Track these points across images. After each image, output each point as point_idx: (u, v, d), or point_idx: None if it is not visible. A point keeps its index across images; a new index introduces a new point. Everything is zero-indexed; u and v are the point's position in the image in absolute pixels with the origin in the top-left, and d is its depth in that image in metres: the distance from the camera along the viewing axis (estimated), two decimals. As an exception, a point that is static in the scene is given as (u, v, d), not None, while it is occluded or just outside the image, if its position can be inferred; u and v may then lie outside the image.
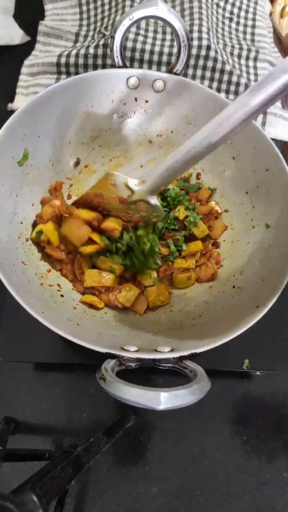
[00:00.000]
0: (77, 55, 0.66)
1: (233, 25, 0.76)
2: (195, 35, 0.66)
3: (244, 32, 0.76)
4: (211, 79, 0.68)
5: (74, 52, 0.66)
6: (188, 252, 0.53)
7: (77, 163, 0.57)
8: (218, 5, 0.75)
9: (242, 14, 0.76)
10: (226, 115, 0.35)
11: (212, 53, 0.66)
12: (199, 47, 0.65)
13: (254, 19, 0.76)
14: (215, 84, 0.68)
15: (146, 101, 0.57)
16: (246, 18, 0.76)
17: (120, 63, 0.53)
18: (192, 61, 0.67)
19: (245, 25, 0.76)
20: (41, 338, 0.49)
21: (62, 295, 0.48)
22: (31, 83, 0.68)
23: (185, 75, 0.67)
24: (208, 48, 0.66)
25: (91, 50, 0.65)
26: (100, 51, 0.65)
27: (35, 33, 0.73)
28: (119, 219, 0.49)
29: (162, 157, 0.60)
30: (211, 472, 0.51)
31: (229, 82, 0.68)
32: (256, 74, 0.72)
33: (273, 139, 0.52)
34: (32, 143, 0.49)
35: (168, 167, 0.42)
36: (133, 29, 0.68)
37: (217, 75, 0.68)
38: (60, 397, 0.53)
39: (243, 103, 0.34)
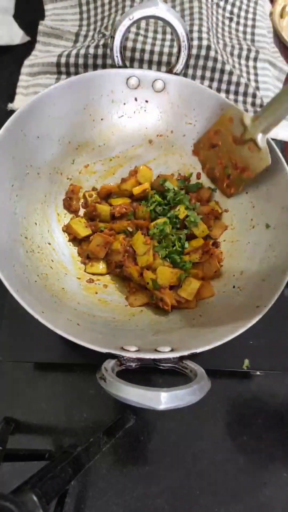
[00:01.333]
0: (77, 55, 0.66)
1: (233, 25, 0.76)
2: (195, 35, 0.66)
3: (244, 32, 0.76)
4: (211, 79, 0.68)
5: (74, 52, 0.66)
6: (191, 248, 0.53)
7: (76, 163, 0.57)
8: (218, 5, 0.75)
9: (242, 14, 0.76)
10: None
11: (212, 53, 0.66)
12: (199, 47, 0.65)
13: (254, 19, 0.76)
14: (215, 84, 0.68)
15: (146, 101, 0.57)
16: (246, 18, 0.76)
17: (120, 63, 0.53)
18: (192, 61, 0.67)
19: (245, 25, 0.76)
20: (41, 338, 0.49)
21: (62, 295, 0.48)
22: (31, 83, 0.68)
23: (185, 75, 0.67)
24: (208, 48, 0.66)
25: (91, 50, 0.65)
26: (100, 51, 0.65)
27: (35, 33, 0.73)
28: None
29: (162, 157, 0.60)
30: (211, 472, 0.51)
31: (229, 82, 0.68)
32: (256, 74, 0.72)
33: (273, 139, 0.53)
34: (32, 143, 0.49)
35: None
36: (133, 29, 0.68)
37: (217, 75, 0.68)
38: (60, 397, 0.53)
39: None
